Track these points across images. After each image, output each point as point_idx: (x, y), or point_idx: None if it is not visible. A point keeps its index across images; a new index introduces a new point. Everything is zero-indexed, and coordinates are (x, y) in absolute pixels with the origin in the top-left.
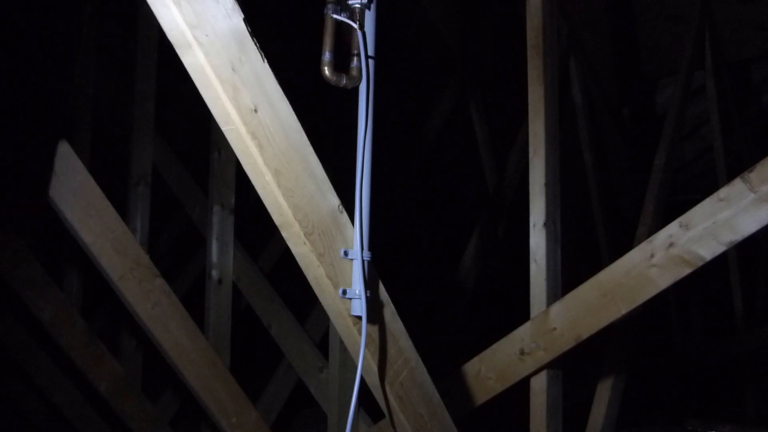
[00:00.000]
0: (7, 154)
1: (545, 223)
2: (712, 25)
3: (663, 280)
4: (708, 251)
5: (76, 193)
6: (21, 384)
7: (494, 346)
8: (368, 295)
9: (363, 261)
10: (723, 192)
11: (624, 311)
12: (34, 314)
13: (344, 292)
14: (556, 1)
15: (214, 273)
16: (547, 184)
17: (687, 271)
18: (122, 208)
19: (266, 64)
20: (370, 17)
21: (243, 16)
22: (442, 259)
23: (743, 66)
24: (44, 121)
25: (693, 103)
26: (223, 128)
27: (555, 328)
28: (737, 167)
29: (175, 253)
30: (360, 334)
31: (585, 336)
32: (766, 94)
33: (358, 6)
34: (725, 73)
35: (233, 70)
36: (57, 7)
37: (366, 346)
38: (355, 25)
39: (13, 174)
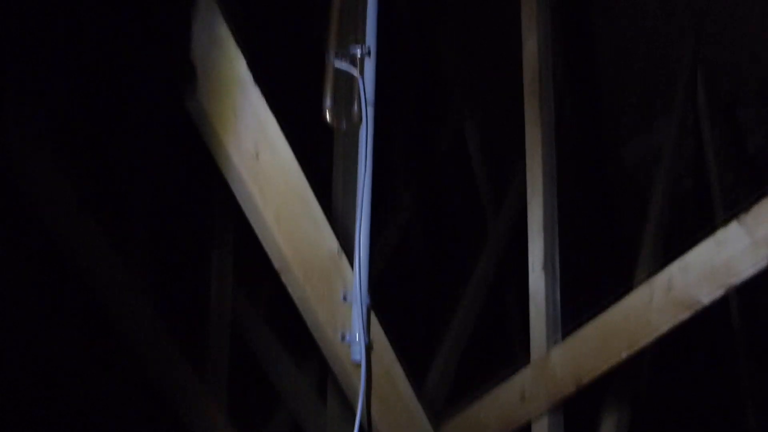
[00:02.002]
0: None
1: (544, 265)
2: (705, 64)
3: (663, 324)
4: (707, 295)
5: None
6: None
7: (494, 390)
8: (368, 339)
9: (362, 305)
10: (720, 234)
11: (625, 355)
12: None
13: (343, 336)
14: (551, 44)
15: (213, 313)
16: (545, 226)
17: (687, 314)
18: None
19: (268, 109)
20: (370, 64)
21: (246, 61)
22: (441, 301)
23: (734, 107)
24: None
25: (687, 142)
26: (224, 173)
27: (555, 373)
28: (736, 205)
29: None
30: (359, 380)
31: (586, 381)
32: (753, 136)
33: (359, 54)
34: (718, 114)
35: (235, 115)
36: None
37: (365, 392)
38: (356, 73)
39: None
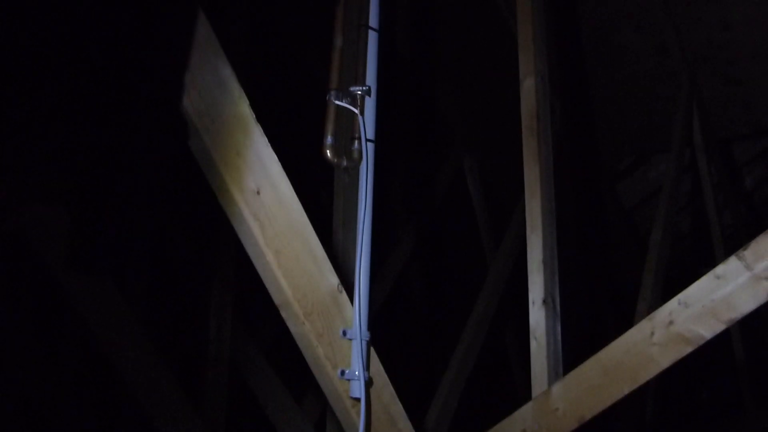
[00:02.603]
0: None
1: (544, 300)
2: (700, 103)
3: (664, 359)
4: (708, 329)
5: None
6: None
7: (496, 427)
8: (367, 376)
9: (362, 341)
10: (719, 269)
11: (626, 391)
12: None
13: (342, 372)
14: (549, 82)
15: (212, 348)
16: (544, 262)
17: (688, 349)
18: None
19: (270, 147)
20: (370, 103)
21: (248, 102)
22: (442, 337)
23: (730, 144)
24: None
25: (685, 178)
26: (225, 210)
27: (557, 409)
28: (734, 241)
29: (172, 325)
30: (358, 416)
31: (588, 416)
32: (750, 172)
33: (359, 93)
34: (715, 150)
35: (238, 154)
36: None
37: (364, 429)
38: (356, 111)
39: None
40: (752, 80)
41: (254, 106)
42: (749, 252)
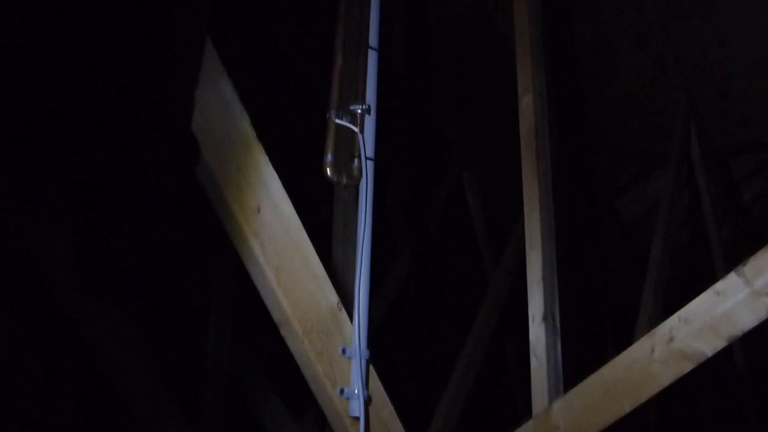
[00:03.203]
0: None
1: (544, 317)
2: (696, 117)
3: (665, 377)
4: (709, 346)
5: None
6: None
7: None
8: (366, 394)
9: (361, 359)
10: (719, 285)
11: (628, 408)
12: None
13: (342, 391)
14: (547, 99)
15: (210, 364)
16: (544, 278)
17: (689, 366)
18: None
19: (270, 165)
20: (370, 121)
21: (250, 120)
22: (441, 354)
23: (727, 158)
24: None
25: (684, 193)
26: (226, 227)
27: (558, 427)
28: (734, 255)
29: (171, 342)
30: None
31: None
32: (748, 187)
33: (359, 111)
34: (713, 164)
35: (238, 171)
36: None
37: None
38: (356, 129)
39: None
40: (749, 95)
41: (255, 123)
42: (749, 268)
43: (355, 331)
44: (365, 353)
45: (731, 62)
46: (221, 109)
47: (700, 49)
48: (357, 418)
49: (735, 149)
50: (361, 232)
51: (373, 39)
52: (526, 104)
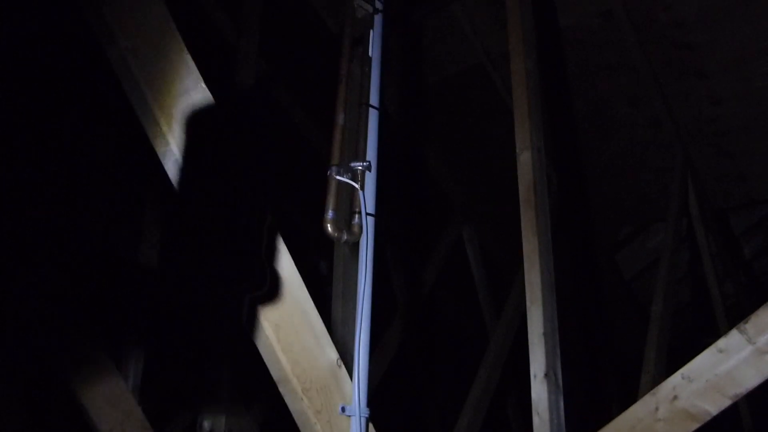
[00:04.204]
0: None
1: (546, 374)
2: (694, 174)
3: None
4: (713, 405)
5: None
6: None
7: None
8: None
9: (361, 418)
10: (722, 343)
11: None
12: None
13: None
14: (545, 155)
15: (206, 424)
16: (545, 334)
17: (694, 426)
18: (116, 353)
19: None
20: (370, 178)
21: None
22: (442, 411)
23: (727, 213)
24: None
25: (684, 248)
26: None
27: None
28: (736, 310)
29: (167, 400)
30: None
31: None
32: (748, 243)
33: (360, 168)
34: (711, 220)
35: None
36: None
37: None
38: (357, 186)
39: None
40: (744, 152)
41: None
42: (750, 325)
43: (355, 389)
44: (365, 411)
45: (726, 120)
46: None
47: (694, 107)
48: None
49: (733, 205)
50: (361, 288)
51: (373, 98)
52: (524, 160)
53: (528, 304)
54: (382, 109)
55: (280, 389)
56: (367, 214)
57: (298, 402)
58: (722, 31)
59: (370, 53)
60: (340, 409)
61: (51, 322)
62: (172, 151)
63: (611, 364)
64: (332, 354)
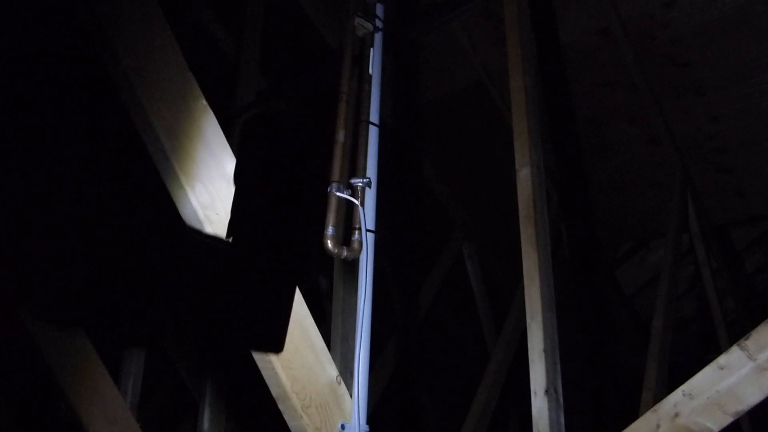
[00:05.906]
0: None
1: (546, 390)
2: (693, 190)
3: None
4: (715, 422)
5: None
6: None
7: None
8: None
9: None
10: (722, 359)
11: None
12: None
13: None
14: (544, 172)
15: None
16: (545, 350)
17: None
18: (115, 368)
19: None
20: (370, 194)
21: None
22: (443, 428)
23: (728, 229)
24: None
25: (684, 264)
26: None
27: None
28: (737, 325)
29: (165, 416)
30: None
31: None
32: (750, 258)
33: (360, 185)
34: (712, 236)
35: None
36: None
37: None
38: (357, 202)
39: None
40: (743, 169)
41: None
42: (751, 342)
43: (355, 406)
44: (364, 429)
45: (724, 137)
46: (224, 184)
47: (693, 124)
48: None
49: (733, 221)
50: (361, 304)
51: (373, 115)
52: (524, 176)
53: (528, 320)
54: (382, 126)
55: (280, 406)
56: (367, 230)
57: (298, 419)
58: (720, 49)
59: (370, 71)
60: (339, 426)
61: (50, 336)
62: (173, 168)
63: (612, 381)
64: (332, 371)
